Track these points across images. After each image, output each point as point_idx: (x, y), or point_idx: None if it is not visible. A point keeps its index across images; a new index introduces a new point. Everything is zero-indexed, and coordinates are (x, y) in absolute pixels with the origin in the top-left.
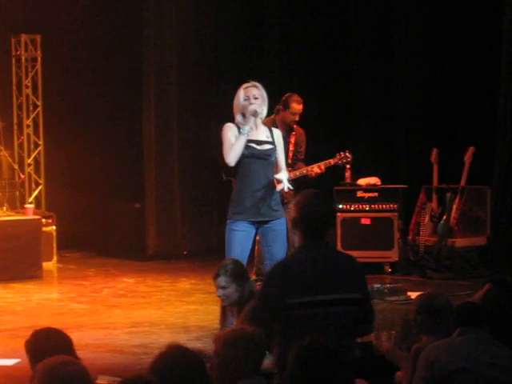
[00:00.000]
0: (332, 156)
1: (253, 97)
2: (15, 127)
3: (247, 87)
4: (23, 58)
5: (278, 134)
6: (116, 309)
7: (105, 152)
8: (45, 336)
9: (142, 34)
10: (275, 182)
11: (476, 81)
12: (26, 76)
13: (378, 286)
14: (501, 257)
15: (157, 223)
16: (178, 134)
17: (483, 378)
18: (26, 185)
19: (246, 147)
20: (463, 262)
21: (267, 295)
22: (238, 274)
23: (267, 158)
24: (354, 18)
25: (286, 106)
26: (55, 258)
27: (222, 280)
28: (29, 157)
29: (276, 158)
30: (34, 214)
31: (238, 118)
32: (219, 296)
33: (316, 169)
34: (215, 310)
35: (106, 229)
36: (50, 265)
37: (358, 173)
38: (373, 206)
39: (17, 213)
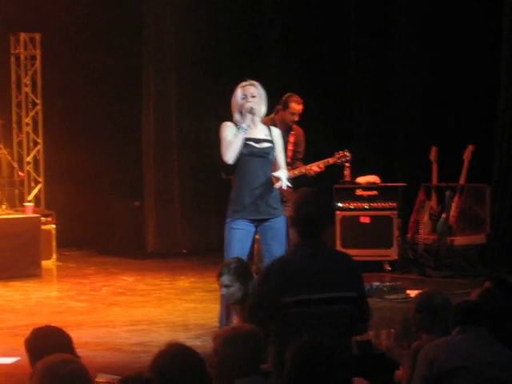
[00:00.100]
0: (331, 155)
1: (250, 95)
2: (14, 125)
3: (245, 86)
4: (22, 56)
5: (276, 132)
6: (115, 307)
7: (104, 150)
8: (44, 334)
9: (141, 33)
10: (274, 179)
11: (475, 79)
12: (25, 74)
13: (378, 284)
14: (500, 255)
15: (156, 221)
16: (177, 133)
17: (482, 377)
18: (26, 183)
19: (245, 145)
20: (462, 261)
21: (263, 293)
22: (242, 272)
23: (266, 156)
24: (353, 18)
25: (286, 106)
26: (54, 257)
27: (226, 279)
28: (28, 155)
29: (275, 156)
30: (34, 212)
31: (236, 116)
32: (223, 295)
33: (315, 168)
34: (214, 308)
35: (105, 227)
36: (49, 263)
37: (358, 171)
38: (372, 204)
39: (16, 211)
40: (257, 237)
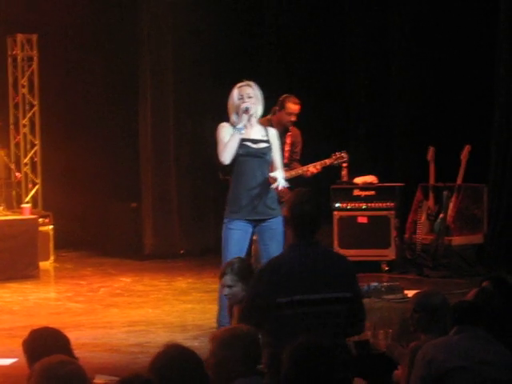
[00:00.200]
0: (328, 156)
1: (247, 96)
2: (11, 127)
3: (241, 86)
4: (19, 57)
5: (273, 133)
6: (113, 308)
7: (101, 151)
8: (42, 335)
9: (138, 34)
10: (270, 180)
11: (472, 79)
12: (23, 75)
13: (375, 284)
14: (498, 255)
15: (153, 222)
16: (175, 134)
17: (480, 377)
18: (23, 184)
19: (242, 146)
20: (460, 260)
21: (257, 294)
22: (245, 272)
23: (263, 156)
24: (350, 19)
25: (282, 107)
26: (52, 258)
27: (229, 279)
28: (25, 156)
29: (272, 156)
30: (31, 213)
31: (233, 117)
32: (225, 295)
33: (312, 169)
34: (212, 308)
35: (102, 228)
36: (46, 264)
37: (355, 171)
38: (369, 204)
39: (13, 212)
40: (254, 237)
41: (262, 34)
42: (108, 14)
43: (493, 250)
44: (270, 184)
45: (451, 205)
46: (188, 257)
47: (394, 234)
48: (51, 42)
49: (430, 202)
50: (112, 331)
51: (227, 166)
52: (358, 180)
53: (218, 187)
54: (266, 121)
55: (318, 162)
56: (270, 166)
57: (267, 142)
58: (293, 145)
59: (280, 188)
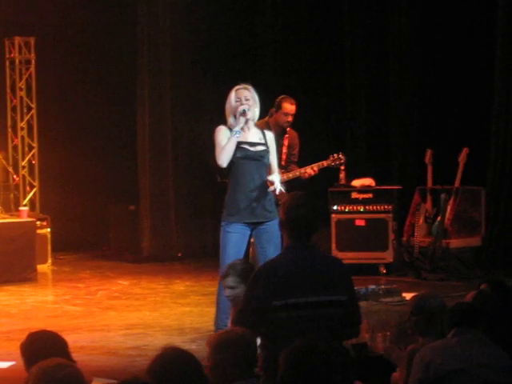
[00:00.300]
0: (325, 158)
1: (244, 98)
2: (9, 129)
3: (238, 89)
4: (17, 60)
5: (270, 136)
6: (111, 311)
7: (99, 154)
8: (40, 338)
9: (135, 37)
10: (268, 183)
11: (470, 81)
12: (20, 78)
13: (373, 287)
14: (495, 257)
15: (151, 225)
16: (173, 136)
17: (478, 379)
18: (21, 187)
19: (240, 149)
20: (458, 263)
21: (252, 297)
22: (247, 274)
23: (260, 159)
24: (347, 19)
25: (279, 108)
26: (50, 261)
27: (231, 280)
28: (23, 159)
29: (269, 159)
30: (29, 216)
31: (230, 120)
32: (227, 296)
33: (309, 170)
34: (210, 311)
35: (100, 231)
36: (44, 267)
37: (353, 174)
38: (367, 207)
39: (11, 215)
40: (252, 240)
41: (261, 34)
42: (106, 16)
43: (491, 253)
44: (268, 187)
45: (449, 207)
46: (186, 260)
47: (391, 236)
48: (49, 45)
49: (428, 205)
50: (110, 334)
51: (225, 168)
52: (356, 183)
53: (215, 190)
54: (263, 123)
55: (315, 164)
56: (268, 169)
57: (265, 144)
58: (290, 147)
59: (277, 192)
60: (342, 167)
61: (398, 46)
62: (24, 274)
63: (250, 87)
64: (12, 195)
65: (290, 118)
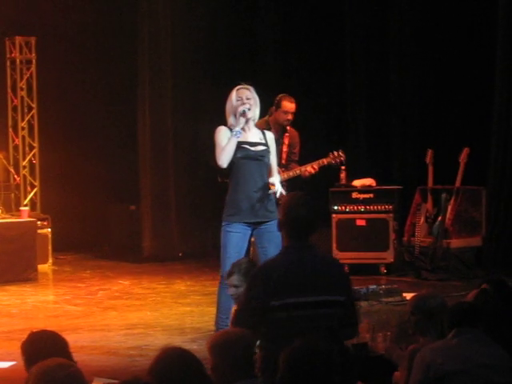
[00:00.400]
0: (325, 155)
1: (245, 97)
2: (10, 129)
3: (239, 89)
4: (18, 60)
5: (270, 136)
6: (111, 311)
7: (100, 154)
8: (40, 338)
9: (136, 37)
10: (270, 186)
11: (471, 82)
12: (21, 78)
13: (374, 287)
14: (496, 257)
15: (152, 225)
16: (173, 136)
17: (479, 380)
18: (21, 187)
19: (240, 149)
20: (458, 263)
21: (250, 297)
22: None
23: (261, 158)
24: (348, 19)
25: (278, 106)
26: (50, 261)
27: (236, 278)
28: (24, 159)
29: (270, 159)
30: (29, 216)
31: (231, 119)
32: (231, 295)
33: (309, 168)
34: (211, 311)
35: (101, 231)
36: (45, 267)
37: (353, 174)
38: (368, 207)
39: (12, 215)
40: (252, 240)
41: (261, 34)
42: (106, 16)
43: (491, 253)
44: (269, 187)
45: (450, 207)
46: (186, 259)
47: (392, 236)
48: (50, 45)
49: (429, 205)
50: (110, 334)
51: (225, 169)
52: (357, 183)
53: (216, 190)
54: (263, 122)
55: (315, 162)
56: (269, 169)
57: (265, 144)
58: (291, 146)
59: (278, 195)
60: (343, 167)
61: (398, 46)
62: (25, 273)
63: (250, 88)
64: (13, 195)
65: (289, 117)
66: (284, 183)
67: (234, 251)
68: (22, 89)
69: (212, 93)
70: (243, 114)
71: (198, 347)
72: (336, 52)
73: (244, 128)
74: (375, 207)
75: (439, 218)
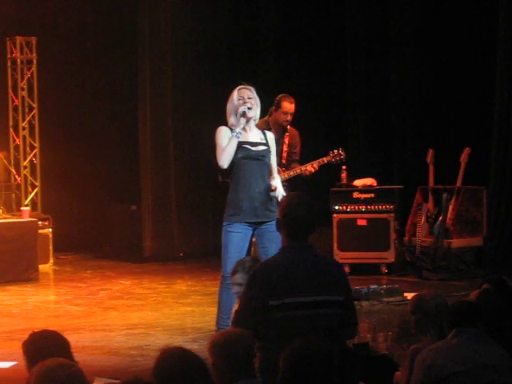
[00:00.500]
0: (326, 154)
1: (247, 97)
2: (11, 129)
3: (241, 89)
4: (19, 60)
5: (270, 136)
6: (112, 311)
7: (101, 154)
8: (42, 338)
9: (136, 37)
10: (272, 187)
11: (472, 81)
12: (22, 78)
13: (375, 286)
14: (497, 257)
15: (153, 225)
16: (174, 136)
17: (480, 380)
18: (22, 187)
19: (241, 149)
20: (459, 263)
21: (250, 297)
22: None
23: (262, 158)
24: (348, 19)
25: (278, 106)
26: (51, 261)
27: (240, 277)
28: (25, 159)
29: (270, 159)
30: (30, 216)
31: (232, 119)
32: (235, 293)
33: (310, 167)
34: (212, 311)
35: (102, 231)
36: (46, 267)
37: (354, 174)
38: (369, 207)
39: (13, 215)
40: (254, 239)
41: (261, 34)
42: (107, 16)
43: (492, 253)
44: (271, 186)
45: (451, 207)
46: (187, 259)
47: (393, 236)
48: (51, 45)
49: (430, 205)
50: (111, 334)
51: (226, 169)
52: (358, 182)
53: (217, 190)
54: (262, 122)
55: (316, 161)
56: (270, 169)
57: (266, 144)
58: (291, 145)
59: (280, 198)
60: (344, 167)
61: (398, 46)
62: (26, 273)
63: (252, 88)
64: (14, 195)
65: (289, 117)
66: (285, 183)
67: (235, 251)
68: (22, 89)
69: (212, 93)
70: (243, 114)
71: (199, 347)
72: (336, 52)
73: (245, 128)
74: (376, 207)
75: (440, 218)
